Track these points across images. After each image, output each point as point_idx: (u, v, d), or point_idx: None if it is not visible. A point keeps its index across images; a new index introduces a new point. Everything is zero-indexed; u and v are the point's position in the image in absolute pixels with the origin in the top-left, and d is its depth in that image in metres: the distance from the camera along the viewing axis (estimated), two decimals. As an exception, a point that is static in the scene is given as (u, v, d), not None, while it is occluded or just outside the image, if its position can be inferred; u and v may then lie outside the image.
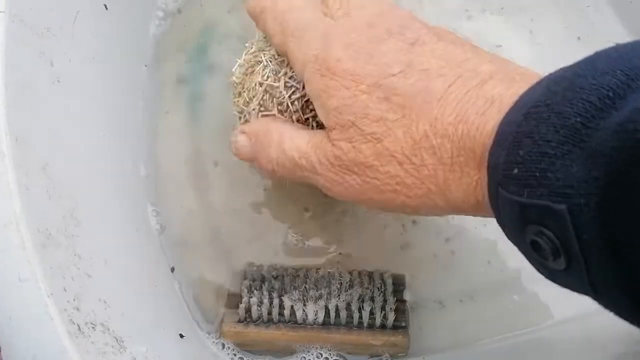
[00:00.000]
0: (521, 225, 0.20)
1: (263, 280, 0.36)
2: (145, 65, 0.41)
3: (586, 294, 0.19)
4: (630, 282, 0.17)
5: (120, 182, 0.36)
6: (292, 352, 0.35)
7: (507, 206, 0.20)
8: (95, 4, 0.36)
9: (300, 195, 0.39)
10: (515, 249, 0.37)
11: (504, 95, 0.22)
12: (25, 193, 0.26)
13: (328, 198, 0.32)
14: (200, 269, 0.37)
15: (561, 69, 0.20)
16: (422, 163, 0.24)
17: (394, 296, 0.35)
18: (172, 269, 0.37)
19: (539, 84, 0.21)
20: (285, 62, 0.31)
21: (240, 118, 0.34)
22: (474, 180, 0.23)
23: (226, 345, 0.35)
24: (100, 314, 0.27)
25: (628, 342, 0.34)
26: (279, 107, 0.31)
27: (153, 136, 0.40)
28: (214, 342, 0.35)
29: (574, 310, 0.36)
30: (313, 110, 0.30)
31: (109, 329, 0.27)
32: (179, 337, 0.33)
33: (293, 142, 0.29)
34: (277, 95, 0.31)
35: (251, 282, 0.36)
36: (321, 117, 0.28)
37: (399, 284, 0.36)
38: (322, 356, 0.35)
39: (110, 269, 0.30)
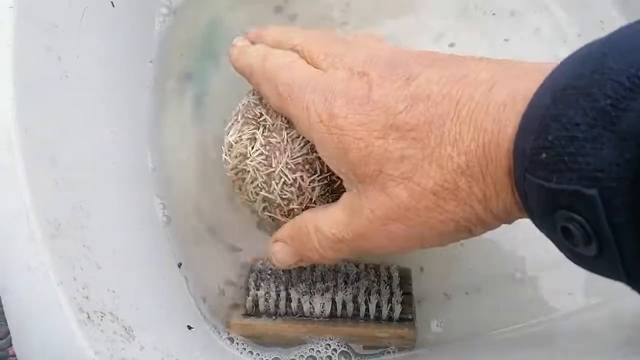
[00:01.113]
0: (550, 212, 0.19)
1: (270, 273, 0.36)
2: (151, 61, 0.41)
3: (619, 279, 0.19)
4: None
5: (127, 175, 0.36)
6: (299, 343, 0.35)
7: (535, 192, 0.20)
8: (102, 1, 0.36)
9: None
10: (522, 241, 0.38)
11: (515, 96, 0.22)
12: (34, 184, 0.26)
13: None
14: (207, 262, 0.38)
15: (586, 46, 0.20)
16: (456, 185, 0.24)
17: (400, 289, 0.35)
18: (180, 265, 0.37)
19: (564, 64, 0.21)
20: (284, 127, 0.31)
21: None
22: (509, 187, 0.23)
23: (235, 339, 0.35)
24: (109, 303, 0.27)
25: (633, 334, 0.34)
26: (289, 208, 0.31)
27: (159, 130, 0.40)
28: (221, 335, 0.35)
29: (581, 303, 0.37)
30: (329, 187, 0.31)
31: (117, 318, 0.27)
32: (187, 328, 0.33)
33: (328, 221, 0.29)
34: (278, 202, 0.31)
35: (258, 275, 0.36)
36: (344, 176, 0.28)
37: (405, 277, 0.37)
38: (330, 347, 0.35)
39: (119, 260, 0.30)
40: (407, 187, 0.25)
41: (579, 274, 0.37)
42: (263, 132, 0.31)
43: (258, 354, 0.35)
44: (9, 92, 0.27)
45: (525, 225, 0.37)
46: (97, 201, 0.31)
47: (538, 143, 0.19)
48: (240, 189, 0.33)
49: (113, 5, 0.37)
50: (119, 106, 0.37)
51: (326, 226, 0.29)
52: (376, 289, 0.35)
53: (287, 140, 0.31)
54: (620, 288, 0.35)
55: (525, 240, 0.38)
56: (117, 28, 0.37)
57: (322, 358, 0.35)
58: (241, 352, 0.35)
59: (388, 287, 0.35)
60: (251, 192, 0.32)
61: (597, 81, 0.18)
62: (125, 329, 0.27)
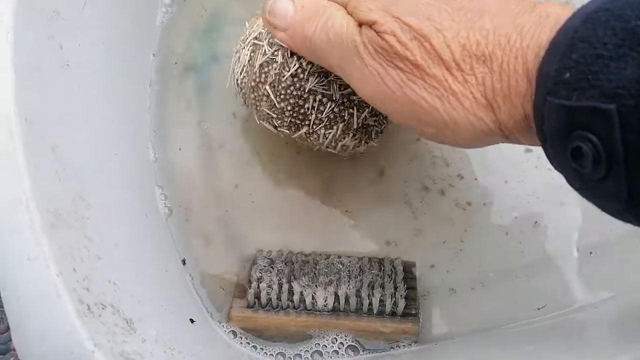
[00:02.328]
0: (565, 132, 0.19)
1: (272, 265, 0.36)
2: (153, 53, 0.41)
3: (618, 207, 0.19)
4: None
5: (129, 166, 0.36)
6: (305, 338, 0.35)
7: (554, 114, 0.20)
8: (104, -12, 0.36)
9: (309, 181, 0.39)
10: (527, 236, 0.37)
11: (560, 13, 0.22)
12: (34, 173, 0.26)
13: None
14: (209, 254, 0.37)
15: None
16: (471, 71, 0.23)
17: (404, 283, 0.35)
18: (184, 261, 0.37)
19: None
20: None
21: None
22: (522, 90, 0.22)
23: (238, 333, 0.35)
24: (110, 295, 0.27)
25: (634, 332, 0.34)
26: None
27: (161, 121, 0.40)
28: (224, 328, 0.35)
29: (587, 298, 0.36)
30: None
31: (119, 311, 0.26)
32: (189, 322, 0.33)
33: (343, 19, 0.27)
34: None
35: (260, 268, 0.35)
36: (364, 9, 0.26)
37: (409, 271, 0.36)
38: (337, 341, 0.34)
39: (121, 252, 0.30)
40: (421, 45, 0.24)
41: (585, 269, 0.37)
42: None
43: (262, 348, 0.35)
44: (9, 80, 0.27)
45: (533, 219, 0.38)
46: (98, 192, 0.30)
47: (562, 64, 0.19)
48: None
49: (116, -6, 0.36)
50: (120, 96, 0.36)
51: (338, 21, 0.27)
52: (380, 283, 0.35)
53: None
54: (625, 281, 0.34)
55: (532, 234, 0.38)
56: (120, 17, 0.37)
57: (328, 353, 0.34)
58: (245, 347, 0.35)
59: (392, 281, 0.35)
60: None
61: (630, 4, 0.18)
62: (127, 321, 0.26)
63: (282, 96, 0.32)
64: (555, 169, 0.22)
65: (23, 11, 0.28)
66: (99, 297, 0.26)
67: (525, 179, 0.39)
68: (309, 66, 0.31)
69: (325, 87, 0.31)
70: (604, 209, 0.20)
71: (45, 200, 0.26)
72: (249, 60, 0.33)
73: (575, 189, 0.21)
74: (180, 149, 0.39)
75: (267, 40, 0.32)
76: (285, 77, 0.31)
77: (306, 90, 0.31)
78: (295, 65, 0.31)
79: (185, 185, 0.38)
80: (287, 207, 0.38)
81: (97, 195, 0.30)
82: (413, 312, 0.34)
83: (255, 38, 0.33)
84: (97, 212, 0.29)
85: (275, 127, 0.33)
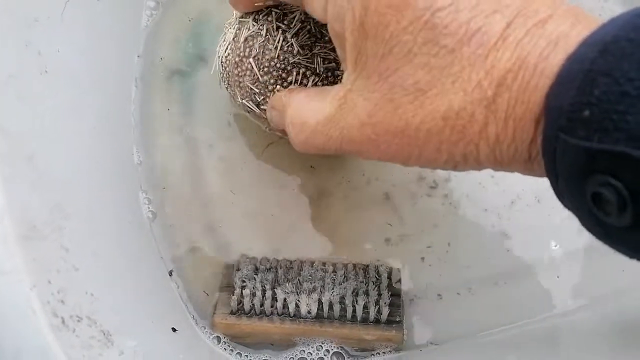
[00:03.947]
0: (583, 175, 0.18)
1: (256, 271, 0.35)
2: (138, 56, 0.40)
3: None
4: None
5: (111, 172, 0.35)
6: (290, 345, 0.35)
7: (570, 153, 0.18)
8: (85, -7, 0.35)
9: (295, 186, 0.39)
10: (514, 240, 0.37)
11: (569, 35, 0.20)
12: (9, 185, 0.25)
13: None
14: (192, 260, 0.37)
15: None
16: (472, 118, 0.21)
17: (388, 290, 0.35)
18: (170, 273, 0.36)
19: (614, 19, 0.19)
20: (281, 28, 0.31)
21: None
22: (529, 136, 0.20)
23: (222, 340, 0.34)
24: (86, 307, 0.26)
25: (627, 333, 0.34)
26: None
27: (146, 124, 0.39)
28: (208, 336, 0.34)
29: (573, 303, 0.36)
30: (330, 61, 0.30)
31: (95, 322, 0.26)
32: (171, 331, 0.33)
33: (316, 117, 0.25)
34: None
35: (244, 274, 0.35)
36: (350, 63, 0.24)
37: (394, 278, 0.36)
38: (322, 348, 0.34)
39: (100, 262, 0.30)
40: (416, 101, 0.21)
41: (572, 274, 0.37)
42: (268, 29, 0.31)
43: (247, 356, 0.35)
44: (-16, 89, 0.26)
45: (518, 224, 0.37)
46: (77, 200, 0.30)
47: (580, 99, 0.17)
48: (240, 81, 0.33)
49: (97, -2, 0.36)
50: (103, 101, 0.36)
51: (312, 122, 0.26)
52: (364, 289, 0.35)
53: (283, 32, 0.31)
54: (614, 288, 0.34)
55: (518, 239, 0.38)
56: (102, 21, 0.37)
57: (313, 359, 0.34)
58: (229, 354, 0.35)
59: (376, 288, 0.35)
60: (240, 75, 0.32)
61: None
62: (104, 333, 0.26)
63: (265, 69, 0.31)
64: (566, 207, 0.20)
65: (0, 19, 0.28)
66: (75, 309, 0.26)
67: (514, 183, 0.38)
68: (293, 39, 0.31)
69: (310, 61, 0.31)
70: (631, 257, 0.19)
71: (19, 212, 0.25)
72: (233, 38, 0.33)
73: (593, 233, 0.19)
74: (165, 154, 0.39)
75: (252, 16, 0.32)
76: (269, 50, 0.31)
77: (289, 63, 0.31)
78: (280, 38, 0.31)
79: (170, 190, 0.38)
80: (274, 213, 0.38)
81: (76, 204, 0.30)
82: (397, 319, 0.34)
83: (241, 17, 0.33)
84: (76, 221, 0.29)
85: (257, 104, 0.33)
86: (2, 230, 0.24)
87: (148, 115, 0.40)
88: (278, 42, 0.31)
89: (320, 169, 0.39)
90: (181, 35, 0.41)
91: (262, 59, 0.31)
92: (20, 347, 0.23)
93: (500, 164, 0.22)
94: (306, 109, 0.27)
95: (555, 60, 0.19)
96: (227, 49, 0.33)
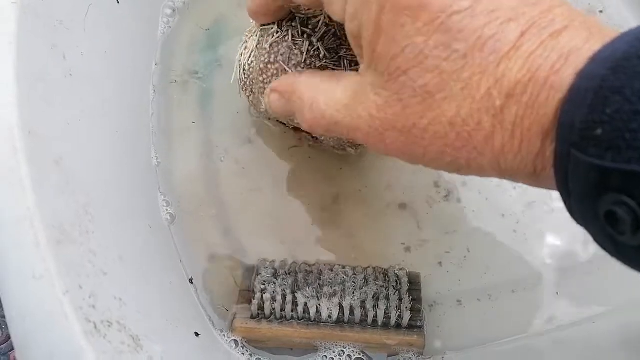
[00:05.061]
0: (596, 193, 0.18)
1: (276, 276, 0.35)
2: (155, 62, 0.40)
3: None
4: None
5: (132, 175, 0.35)
6: (309, 350, 0.35)
7: (582, 171, 0.18)
8: (106, -3, 0.35)
9: (312, 190, 0.39)
10: (532, 246, 0.37)
11: (581, 49, 0.19)
12: (38, 188, 0.25)
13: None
14: (211, 263, 0.37)
15: None
16: (479, 126, 0.21)
17: (409, 295, 0.35)
18: (191, 280, 0.36)
19: (624, 35, 0.19)
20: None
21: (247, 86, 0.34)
22: (536, 149, 0.20)
23: (244, 345, 0.34)
24: (116, 312, 0.26)
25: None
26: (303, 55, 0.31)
27: (164, 129, 0.39)
28: (229, 341, 0.34)
29: (596, 310, 0.36)
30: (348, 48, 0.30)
31: (125, 328, 0.26)
32: (194, 335, 0.33)
33: (328, 97, 0.26)
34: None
35: (264, 278, 0.35)
36: (364, 60, 0.24)
37: (414, 283, 0.36)
38: (344, 354, 0.34)
39: (125, 266, 0.29)
40: (425, 103, 0.22)
41: (591, 280, 0.37)
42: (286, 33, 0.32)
43: (267, 360, 0.35)
44: (12, 91, 0.26)
45: (537, 228, 0.37)
46: (102, 203, 0.30)
47: (593, 117, 0.17)
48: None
49: (118, 2, 0.36)
50: (123, 105, 0.36)
51: (323, 102, 0.26)
52: (384, 294, 0.35)
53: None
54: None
55: (537, 244, 0.38)
56: (122, 27, 0.37)
57: (335, 365, 0.34)
58: (248, 358, 0.34)
59: (397, 292, 0.35)
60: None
61: None
62: (133, 338, 0.26)
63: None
64: (579, 223, 0.20)
65: (27, 20, 0.28)
66: (105, 314, 0.25)
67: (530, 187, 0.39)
68: (319, 42, 0.31)
69: (336, 64, 0.31)
70: None
71: (49, 215, 0.25)
72: (257, 45, 0.33)
73: (606, 250, 0.19)
74: (184, 157, 0.39)
75: (276, 23, 0.32)
76: (295, 55, 0.31)
77: (316, 67, 0.31)
78: (306, 43, 0.31)
79: (188, 193, 0.38)
80: (293, 217, 0.38)
81: (100, 207, 0.30)
82: (418, 324, 0.34)
83: (263, 24, 0.33)
84: (101, 225, 0.29)
85: None
86: (33, 233, 0.24)
87: (166, 119, 0.40)
88: (304, 47, 0.31)
89: (338, 174, 0.39)
90: (198, 40, 0.41)
91: (288, 64, 0.31)
92: (52, 352, 0.23)
93: (504, 173, 0.22)
94: (319, 90, 0.27)
95: (566, 74, 0.19)
96: (250, 56, 0.33)
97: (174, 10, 0.42)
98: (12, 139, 0.25)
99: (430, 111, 0.22)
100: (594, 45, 0.19)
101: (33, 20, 0.28)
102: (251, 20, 0.33)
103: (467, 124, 0.21)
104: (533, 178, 0.21)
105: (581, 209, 0.19)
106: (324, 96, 0.26)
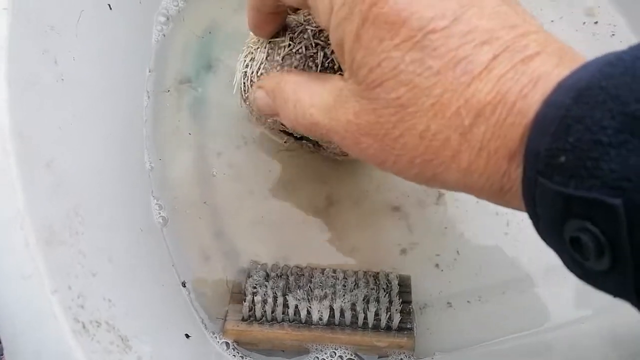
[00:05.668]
0: (561, 220, 0.18)
1: (267, 278, 0.36)
2: (149, 68, 0.41)
3: (626, 297, 0.18)
4: None
5: (124, 178, 0.35)
6: (300, 352, 0.35)
7: (548, 197, 0.18)
8: (99, 3, 0.36)
9: (305, 193, 0.39)
10: (523, 248, 0.37)
11: (550, 74, 0.20)
12: (29, 190, 0.26)
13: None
14: (203, 266, 0.37)
15: (613, 52, 0.19)
16: (447, 142, 0.21)
17: (399, 297, 0.35)
18: (184, 284, 0.36)
19: (587, 65, 0.19)
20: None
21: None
22: (502, 169, 0.21)
23: (235, 347, 0.35)
24: (104, 312, 0.26)
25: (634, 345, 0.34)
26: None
27: (157, 134, 0.40)
28: (220, 343, 0.35)
29: (585, 311, 0.36)
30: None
31: (114, 328, 0.26)
32: (184, 337, 0.33)
33: (312, 98, 0.26)
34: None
35: (255, 281, 0.35)
36: (345, 68, 0.25)
37: (404, 285, 0.36)
38: (335, 355, 0.34)
39: (115, 267, 0.30)
40: (397, 115, 0.22)
41: (581, 282, 0.37)
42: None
43: (258, 363, 0.35)
44: (3, 94, 0.27)
45: (528, 230, 0.38)
46: (93, 205, 0.30)
47: (557, 145, 0.18)
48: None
49: (110, 8, 0.36)
50: (116, 110, 0.36)
51: (307, 102, 0.27)
52: (375, 297, 0.35)
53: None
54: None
55: (527, 246, 0.38)
56: (114, 33, 0.37)
57: (327, 367, 0.34)
58: (241, 361, 0.35)
59: (387, 295, 0.35)
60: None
61: (627, 84, 0.17)
62: (122, 338, 0.26)
63: None
64: (549, 246, 0.20)
65: (18, 25, 0.28)
66: (94, 314, 0.26)
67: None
68: (333, 55, 0.31)
69: None
70: (614, 296, 0.19)
71: (39, 216, 0.25)
72: (267, 57, 0.33)
73: (574, 274, 0.20)
74: (176, 163, 0.39)
75: (287, 35, 0.32)
76: (310, 67, 0.31)
77: None
78: (320, 55, 0.31)
79: (180, 196, 0.38)
80: (285, 220, 0.38)
81: (91, 209, 0.30)
82: (408, 326, 0.34)
83: (271, 38, 0.33)
84: (92, 226, 0.29)
85: None
86: (22, 234, 0.24)
87: (160, 124, 0.40)
88: (319, 58, 0.31)
89: (330, 177, 0.39)
90: (191, 48, 0.42)
91: None
92: (41, 352, 0.23)
93: (471, 190, 0.23)
94: (304, 89, 0.27)
95: (533, 100, 0.20)
96: (260, 68, 0.33)
97: (167, 18, 0.42)
98: (2, 142, 0.26)
99: (402, 123, 0.22)
100: (562, 71, 0.20)
101: (24, 25, 0.29)
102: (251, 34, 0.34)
103: (436, 138, 0.22)
104: (499, 196, 0.22)
105: (549, 233, 0.20)
106: (308, 97, 0.27)
